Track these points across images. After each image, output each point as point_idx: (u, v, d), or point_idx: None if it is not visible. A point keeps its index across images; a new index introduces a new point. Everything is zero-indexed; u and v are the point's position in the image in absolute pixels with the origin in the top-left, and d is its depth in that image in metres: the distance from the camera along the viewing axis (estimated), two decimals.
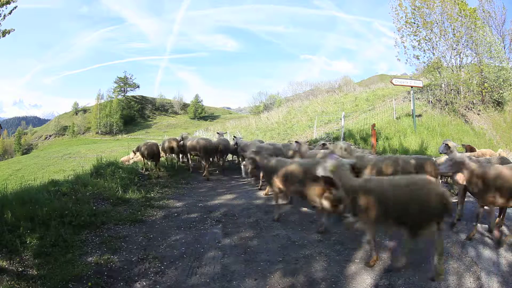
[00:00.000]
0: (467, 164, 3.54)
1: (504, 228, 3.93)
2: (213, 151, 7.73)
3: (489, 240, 3.63)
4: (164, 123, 63.68)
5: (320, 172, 3.28)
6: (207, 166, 7.50)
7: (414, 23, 13.48)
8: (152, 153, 7.38)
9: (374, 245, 3.10)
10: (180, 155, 8.81)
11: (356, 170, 3.70)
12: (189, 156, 8.37)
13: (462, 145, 8.53)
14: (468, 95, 13.49)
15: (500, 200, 3.34)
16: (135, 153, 8.51)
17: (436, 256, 2.86)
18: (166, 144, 8.30)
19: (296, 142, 5.83)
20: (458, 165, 3.61)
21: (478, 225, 3.76)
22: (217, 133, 9.87)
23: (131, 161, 8.93)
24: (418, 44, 13.60)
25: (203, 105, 70.04)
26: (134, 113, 66.26)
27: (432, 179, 2.98)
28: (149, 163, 7.60)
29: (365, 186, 2.96)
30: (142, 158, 7.78)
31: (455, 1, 12.92)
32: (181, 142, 8.07)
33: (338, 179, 3.13)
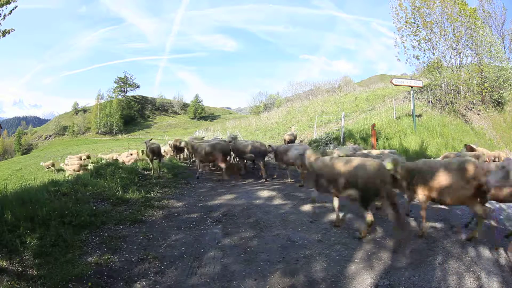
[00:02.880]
0: None
1: None
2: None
3: (489, 240, 3.63)
4: (164, 123, 63.72)
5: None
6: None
7: (414, 23, 13.49)
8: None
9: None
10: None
11: None
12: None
13: (465, 145, 8.54)
14: (468, 95, 13.49)
15: None
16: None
17: None
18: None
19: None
20: None
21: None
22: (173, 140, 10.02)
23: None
24: (418, 44, 13.62)
25: (203, 105, 70.09)
26: (134, 113, 66.29)
27: None
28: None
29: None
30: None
31: (455, 1, 12.92)
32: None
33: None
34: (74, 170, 16.03)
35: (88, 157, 22.65)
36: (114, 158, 18.70)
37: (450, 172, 3.40)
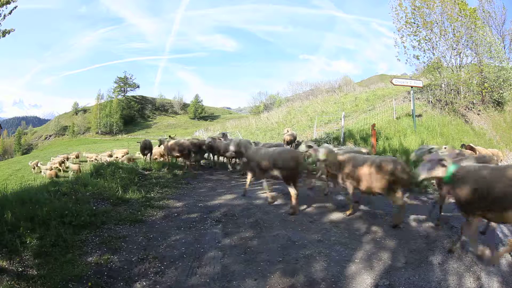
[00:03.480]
0: None
1: None
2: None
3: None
4: (164, 123, 63.69)
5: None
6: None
7: (414, 23, 13.48)
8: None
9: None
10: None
11: None
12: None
13: (462, 145, 8.55)
14: (468, 95, 13.50)
15: None
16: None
17: None
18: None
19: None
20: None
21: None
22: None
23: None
24: (418, 44, 13.61)
25: (203, 105, 70.03)
26: (134, 113, 66.24)
27: None
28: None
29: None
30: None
31: (455, 1, 12.92)
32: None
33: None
34: (47, 169, 16.26)
35: (77, 156, 22.80)
36: (98, 158, 18.85)
37: (371, 167, 3.98)
